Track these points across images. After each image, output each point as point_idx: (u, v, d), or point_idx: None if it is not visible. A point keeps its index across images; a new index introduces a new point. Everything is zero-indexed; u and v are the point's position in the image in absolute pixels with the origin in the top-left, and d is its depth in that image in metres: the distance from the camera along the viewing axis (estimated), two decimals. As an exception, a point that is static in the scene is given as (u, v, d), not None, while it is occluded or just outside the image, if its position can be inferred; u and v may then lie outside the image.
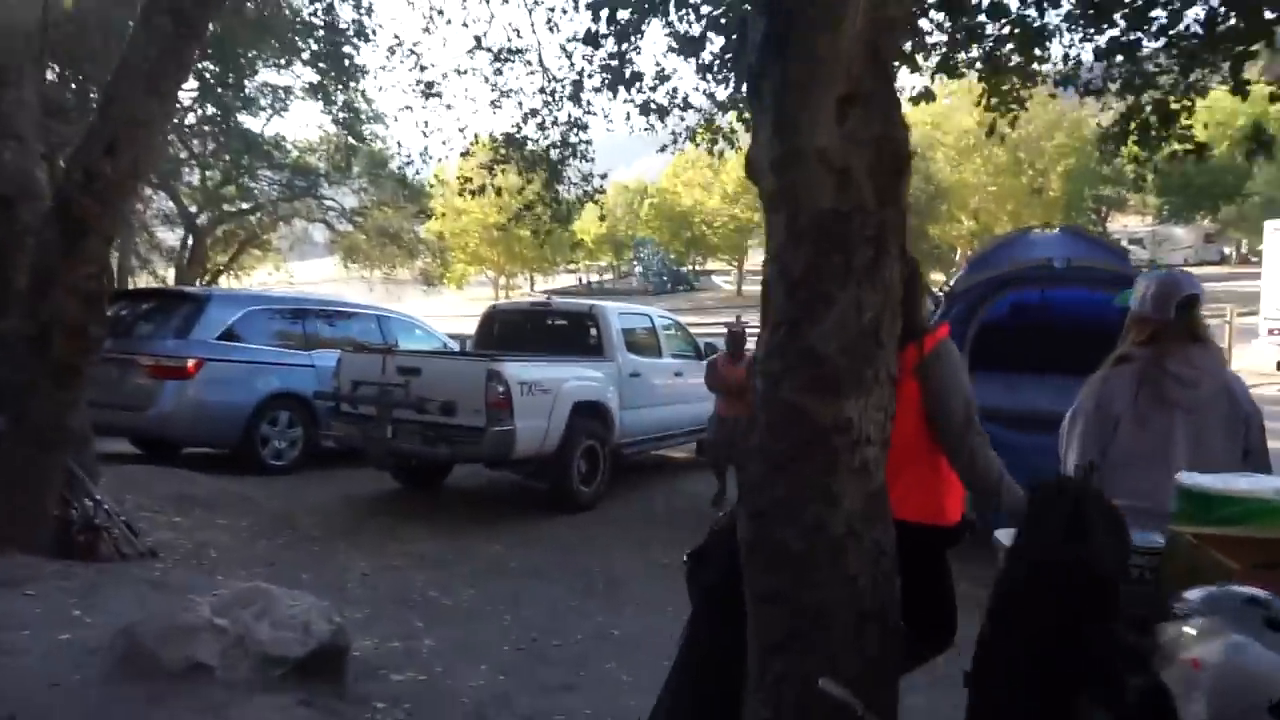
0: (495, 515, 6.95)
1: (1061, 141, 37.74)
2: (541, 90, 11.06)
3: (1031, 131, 36.87)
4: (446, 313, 36.74)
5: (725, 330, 7.92)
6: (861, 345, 1.87)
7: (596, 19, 7.49)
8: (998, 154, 36.51)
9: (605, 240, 57.48)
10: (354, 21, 16.15)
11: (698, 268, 61.48)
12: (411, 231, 26.74)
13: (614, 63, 8.29)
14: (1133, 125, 6.41)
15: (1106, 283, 5.58)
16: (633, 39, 8.12)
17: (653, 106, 10.62)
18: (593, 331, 8.18)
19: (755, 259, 62.49)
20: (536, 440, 6.80)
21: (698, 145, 10.62)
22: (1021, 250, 6.21)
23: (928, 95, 7.35)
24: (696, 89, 9.70)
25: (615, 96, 8.43)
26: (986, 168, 36.59)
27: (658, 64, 10.57)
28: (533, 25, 19.09)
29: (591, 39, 7.96)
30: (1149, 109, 6.38)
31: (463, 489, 7.93)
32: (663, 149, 11.12)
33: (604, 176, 11.77)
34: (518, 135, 11.09)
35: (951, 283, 6.86)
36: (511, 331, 8.76)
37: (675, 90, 10.50)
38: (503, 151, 11.11)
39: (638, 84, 8.63)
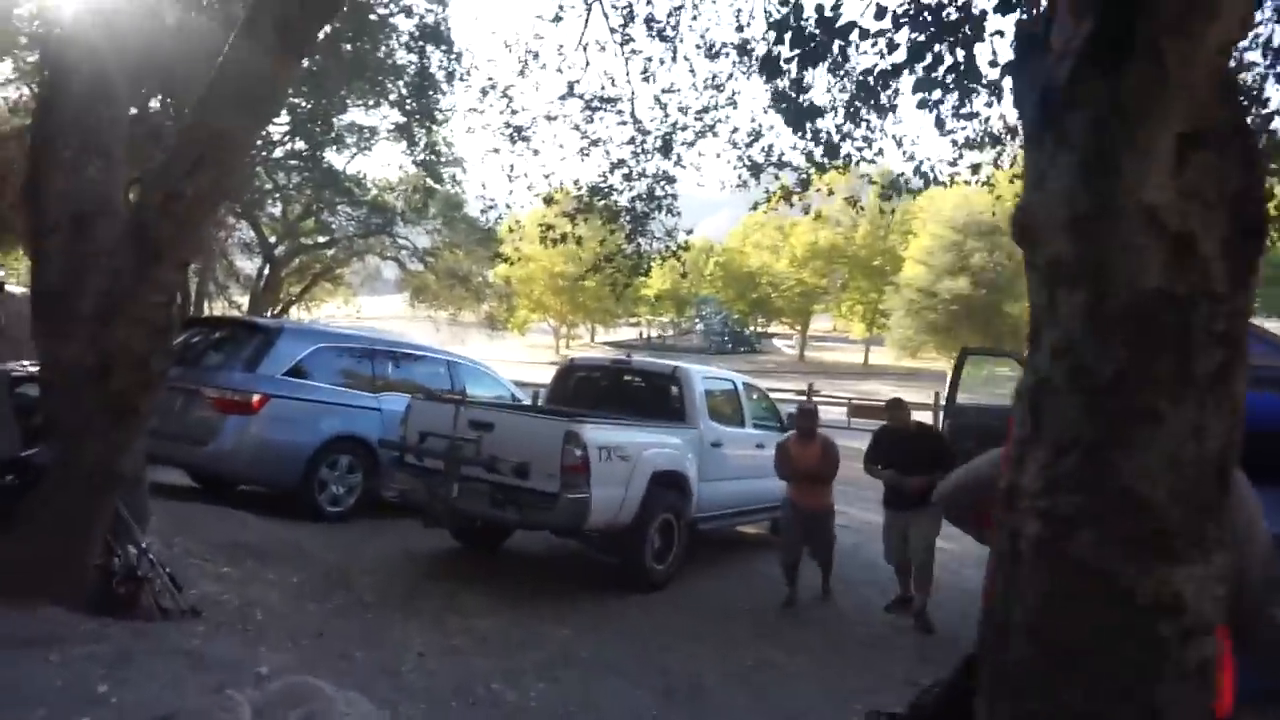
0: (560, 589, 6.39)
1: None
2: (631, 141, 10.80)
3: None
4: (508, 357, 36.72)
5: (796, 410, 7.29)
6: (1201, 488, 1.31)
7: (780, 40, 6.73)
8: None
9: (668, 296, 57.40)
10: (443, 67, 16.27)
11: (760, 329, 60.89)
12: (480, 275, 26.77)
13: (792, 94, 7.48)
14: None
15: None
16: (815, 67, 7.22)
17: (749, 162, 10.25)
18: (675, 394, 7.66)
19: (818, 325, 61.79)
20: (612, 510, 6.25)
21: (791, 205, 10.17)
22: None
23: None
24: (794, 147, 9.10)
25: (796, 132, 7.65)
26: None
27: (753, 119, 10.06)
28: (628, 74, 18.98)
29: (772, 65, 7.18)
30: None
31: (525, 554, 7.40)
32: (754, 207, 10.70)
33: (689, 232, 11.39)
34: (603, 185, 10.81)
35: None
36: (588, 388, 8.29)
37: (771, 148, 10.12)
38: (587, 200, 10.83)
39: (818, 118, 7.79)
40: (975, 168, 6.78)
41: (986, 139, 6.57)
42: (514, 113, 10.88)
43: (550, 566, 7.23)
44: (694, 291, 58.10)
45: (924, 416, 17.73)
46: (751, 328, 59.59)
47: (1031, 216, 1.47)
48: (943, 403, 13.98)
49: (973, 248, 29.05)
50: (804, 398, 17.25)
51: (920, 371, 36.83)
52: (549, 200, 11.22)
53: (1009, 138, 6.46)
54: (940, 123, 6.36)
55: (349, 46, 15.00)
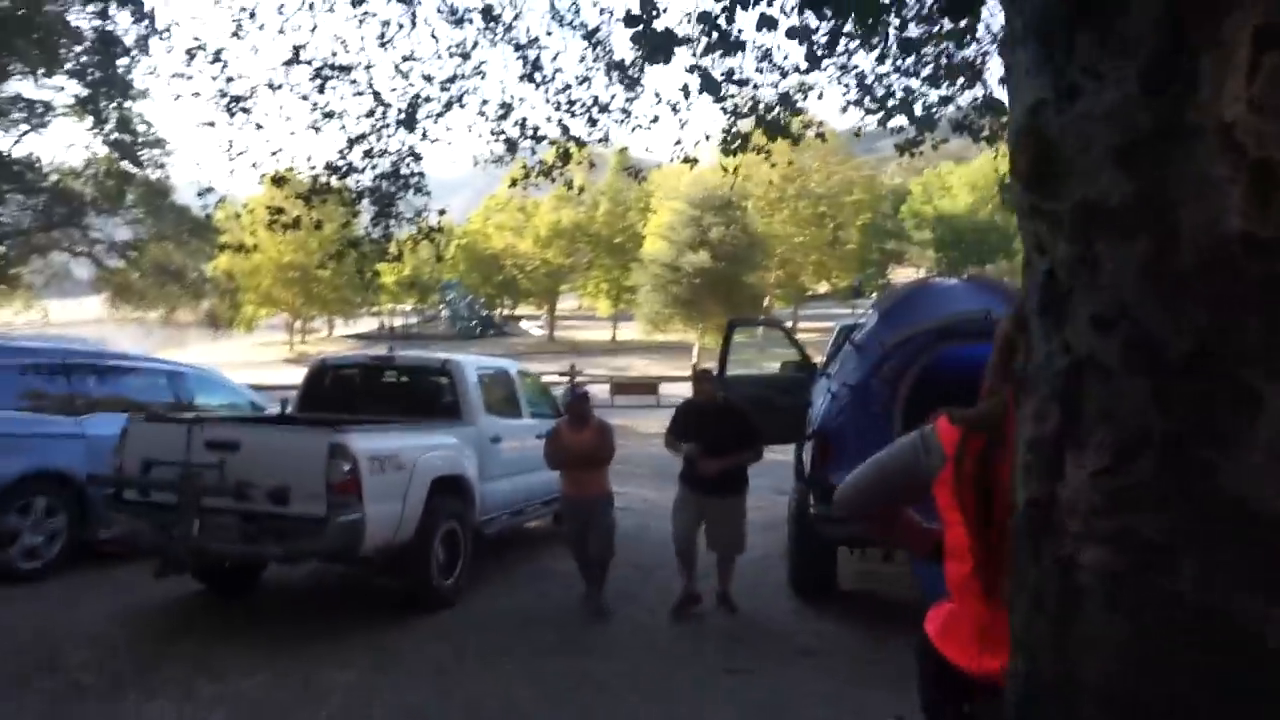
0: (336, 624, 5.56)
1: (859, 197, 40.22)
2: (370, 114, 9.81)
3: (832, 187, 39.08)
4: (236, 359, 33.28)
5: (568, 393, 6.80)
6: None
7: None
8: (803, 207, 38.34)
9: (411, 282, 55.12)
10: (135, 26, 14.06)
11: (508, 312, 60.26)
12: (197, 269, 23.90)
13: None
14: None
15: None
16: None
17: (503, 136, 9.67)
18: (447, 389, 6.99)
19: (565, 304, 62.22)
20: (390, 528, 5.52)
21: (552, 180, 9.72)
22: (941, 301, 5.79)
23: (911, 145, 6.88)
24: (550, 119, 8.64)
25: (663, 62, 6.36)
26: (793, 220, 38.24)
27: (503, 90, 9.47)
28: (362, 40, 17.47)
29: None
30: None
31: (286, 588, 6.43)
32: (513, 183, 10.11)
33: (442, 213, 10.59)
34: (341, 163, 9.75)
35: (855, 336, 6.34)
36: (347, 390, 7.37)
37: (525, 121, 9.59)
38: (324, 181, 9.71)
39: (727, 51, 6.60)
40: (744, 138, 6.75)
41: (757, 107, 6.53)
42: (229, 80, 9.48)
43: (319, 598, 6.34)
44: (437, 277, 56.23)
45: (683, 387, 18.27)
46: (499, 311, 58.79)
47: (1049, 146, 1.12)
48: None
49: (710, 222, 30.34)
50: (568, 379, 17.01)
51: (668, 345, 38.19)
52: (278, 181, 9.94)
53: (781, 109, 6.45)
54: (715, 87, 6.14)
55: (6, 2, 12.48)
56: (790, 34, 5.80)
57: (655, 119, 7.10)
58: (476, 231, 51.56)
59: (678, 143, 7.38)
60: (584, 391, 6.40)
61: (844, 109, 7.14)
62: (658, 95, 7.04)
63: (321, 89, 9.86)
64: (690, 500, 5.96)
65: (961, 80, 6.60)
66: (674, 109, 6.93)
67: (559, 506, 6.57)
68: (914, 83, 6.72)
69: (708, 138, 7.10)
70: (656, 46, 5.44)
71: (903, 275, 63.08)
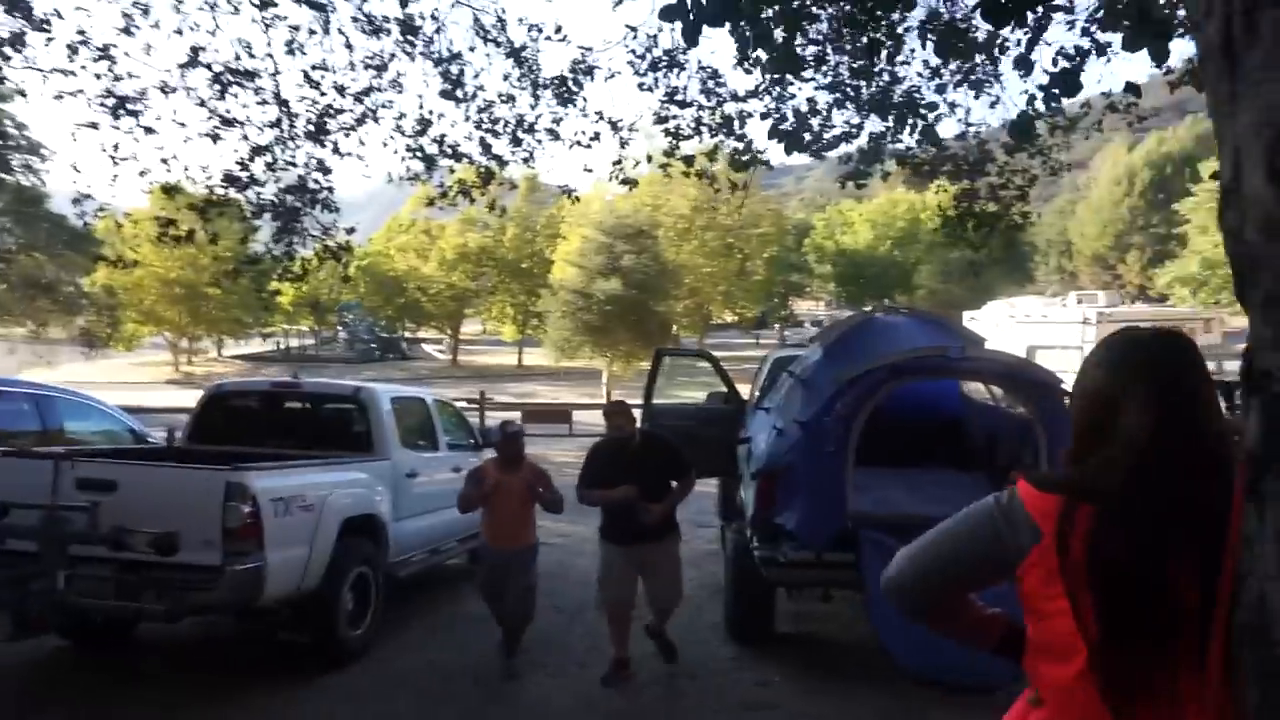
0: (226, 684, 4.92)
1: (765, 230, 40.89)
2: (275, 124, 9.16)
3: (740, 219, 39.57)
4: (115, 379, 31.08)
5: (499, 429, 5.75)
6: None
7: None
8: (711, 238, 38.68)
9: (306, 303, 53.04)
10: (7, 21, 12.92)
11: (410, 335, 58.67)
12: (72, 283, 22.18)
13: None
14: (969, 207, 6.22)
15: (999, 375, 5.08)
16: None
17: (420, 152, 9.17)
18: (359, 420, 6.43)
19: (469, 328, 60.96)
20: (295, 576, 4.93)
21: (472, 201, 9.23)
22: (891, 337, 5.61)
23: (857, 175, 6.68)
24: (468, 137, 8.17)
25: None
26: (702, 250, 38.52)
27: (421, 104, 8.99)
28: (269, 45, 16.39)
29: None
30: (984, 194, 6.22)
31: (167, 640, 5.71)
32: (430, 202, 9.57)
33: (351, 231, 9.96)
34: (242, 175, 9.04)
35: (797, 370, 6.12)
36: (245, 420, 6.70)
37: (443, 138, 9.10)
38: (221, 193, 9.00)
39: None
40: (689, 159, 6.50)
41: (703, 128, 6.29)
42: (117, 79, 8.68)
43: (209, 654, 5.65)
44: (335, 297, 54.25)
45: (597, 416, 17.80)
46: (400, 333, 57.14)
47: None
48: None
49: (622, 250, 30.17)
50: (477, 406, 16.37)
51: (575, 371, 37.73)
52: (170, 190, 9.14)
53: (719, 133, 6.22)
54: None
55: None
56: (741, 61, 5.60)
57: (596, 136, 6.76)
58: (378, 252, 50.02)
59: (617, 163, 7.07)
60: (518, 429, 5.64)
61: (778, 139, 6.99)
62: (599, 113, 6.68)
63: (222, 94, 9.17)
64: (622, 557, 5.20)
65: (904, 115, 6.54)
66: (614, 127, 6.61)
67: (479, 552, 5.82)
68: (854, 115, 6.63)
69: (649, 159, 6.82)
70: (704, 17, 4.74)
71: (804, 307, 64.63)
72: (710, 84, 6.13)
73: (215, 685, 4.93)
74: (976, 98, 6.27)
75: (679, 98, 6.04)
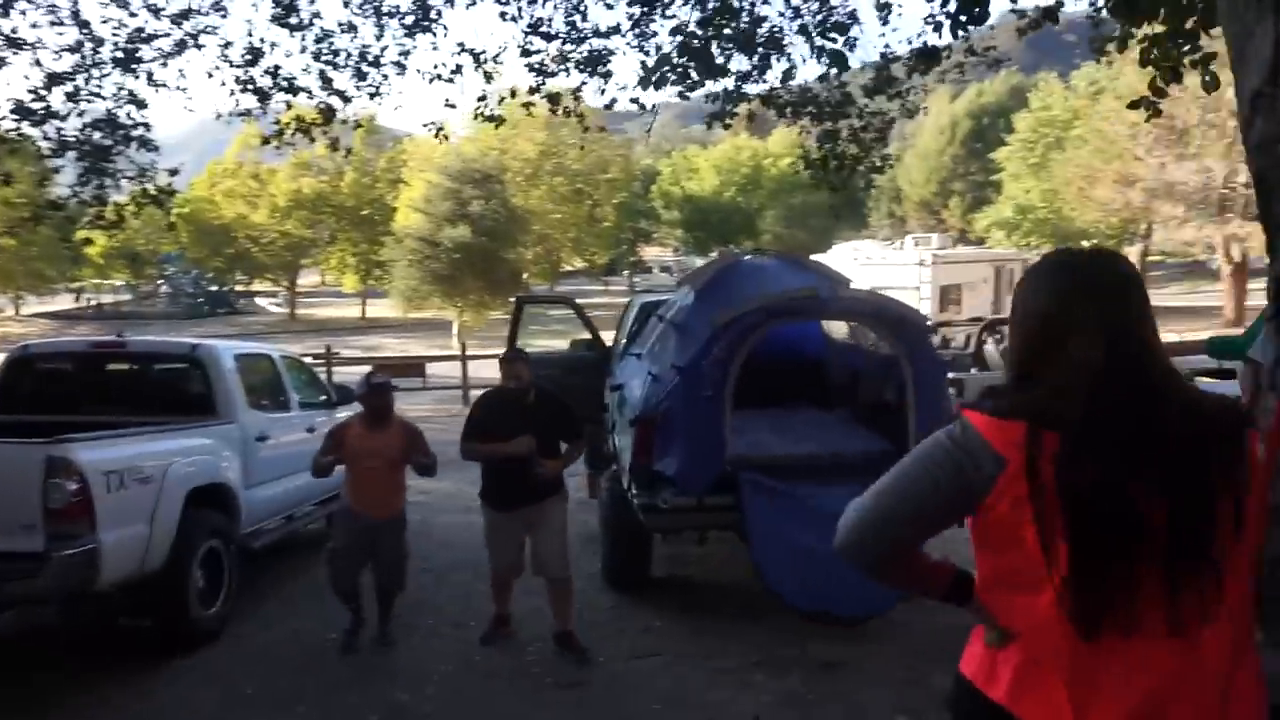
0: (70, 676, 4.42)
1: (614, 176, 40.62)
2: (76, 48, 8.10)
3: (589, 165, 39.11)
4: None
5: (363, 382, 5.05)
6: None
7: None
8: (560, 183, 38.05)
9: (121, 255, 48.55)
10: None
11: (241, 288, 54.97)
12: None
13: None
14: (833, 149, 6.29)
15: (868, 315, 5.18)
16: None
17: (252, 85, 8.37)
18: (199, 381, 5.85)
19: (307, 279, 57.68)
20: (135, 557, 4.46)
21: (312, 140, 8.51)
22: (762, 279, 5.62)
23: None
24: (307, 70, 7.50)
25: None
26: (551, 196, 37.87)
27: (251, 32, 8.17)
28: None
29: None
30: (845, 136, 6.30)
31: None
32: (265, 141, 8.76)
33: (174, 173, 9.02)
34: (37, 106, 7.99)
35: (669, 314, 6.05)
36: (60, 386, 5.97)
37: (278, 69, 8.32)
38: (12, 127, 7.93)
39: None
40: (554, 97, 6.18)
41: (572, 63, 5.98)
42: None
43: (43, 646, 5.07)
44: (154, 248, 49.86)
45: (449, 368, 17.20)
46: (230, 286, 53.37)
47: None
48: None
49: (470, 195, 29.14)
50: (323, 362, 15.51)
51: (424, 322, 36.51)
52: (-51, 123, 7.97)
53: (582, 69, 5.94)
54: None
55: None
56: None
57: (458, 69, 6.29)
58: (202, 199, 46.16)
59: (481, 98, 6.65)
60: (384, 381, 5.02)
61: (646, 80, 6.79)
62: (460, 45, 6.18)
63: (6, 11, 8.06)
64: (507, 521, 4.86)
65: (770, 53, 6.49)
66: (477, 59, 6.19)
67: (336, 526, 5.14)
68: (718, 55, 6.52)
69: (513, 94, 6.45)
70: None
71: (652, 254, 65.10)
72: (575, 16, 5.84)
73: (55, 679, 4.42)
74: (831, 41, 6.26)
75: (543, 29, 5.73)
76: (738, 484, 4.84)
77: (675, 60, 5.93)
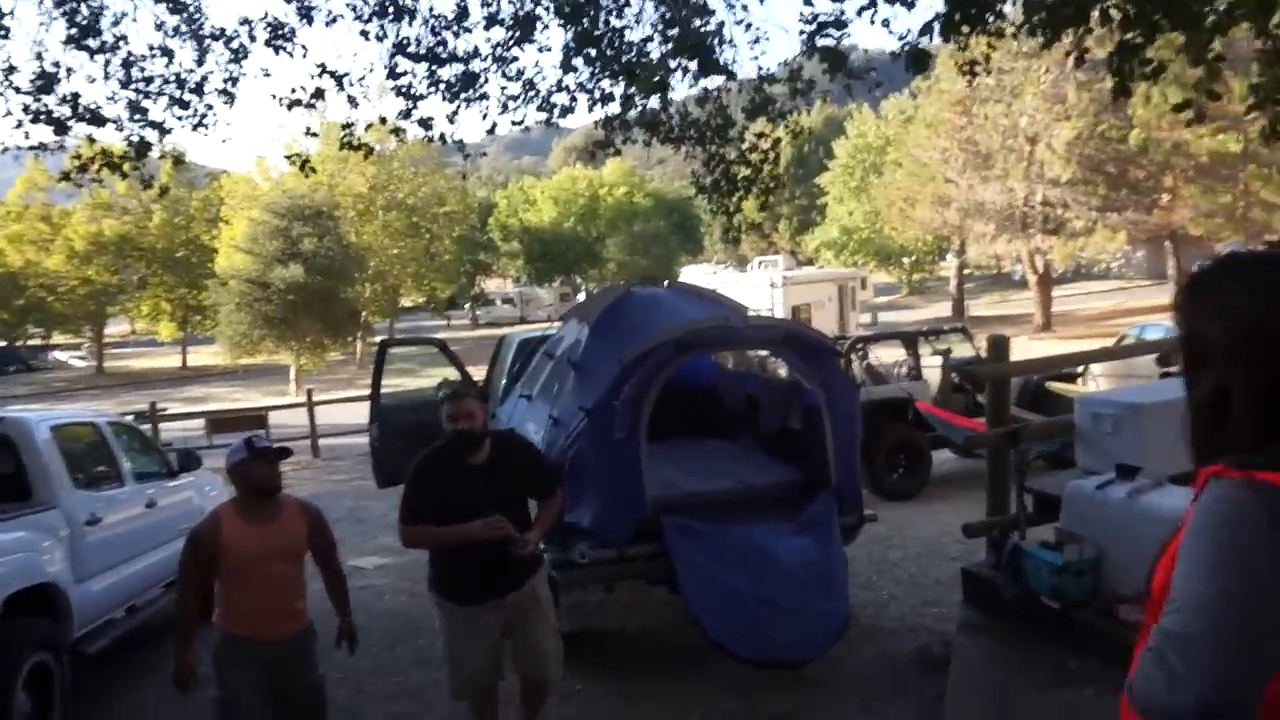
0: None
1: (451, 208, 39.67)
2: None
3: (423, 198, 37.99)
4: None
5: (241, 452, 3.42)
6: None
7: None
8: (394, 218, 36.72)
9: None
10: None
11: (37, 342, 49.59)
12: None
13: None
14: (725, 172, 6.14)
15: (779, 342, 4.99)
16: None
17: (43, 112, 7.32)
18: (7, 459, 4.91)
19: (116, 329, 52.80)
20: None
21: (124, 175, 7.52)
22: (663, 311, 5.33)
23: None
24: (112, 98, 6.60)
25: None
26: (386, 231, 36.46)
27: (39, 52, 7.17)
28: None
29: None
30: (734, 158, 6.17)
31: None
32: (66, 177, 7.66)
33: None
34: None
35: (559, 351, 5.66)
36: None
37: (76, 97, 7.31)
38: None
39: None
40: (426, 122, 5.65)
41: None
42: None
43: None
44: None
45: (292, 416, 15.80)
46: (21, 341, 47.97)
47: None
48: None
49: (301, 232, 27.46)
50: (146, 421, 13.94)
51: (254, 369, 34.07)
52: None
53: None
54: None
55: None
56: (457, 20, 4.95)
57: (319, 93, 5.62)
58: (-20, 245, 41.31)
59: (347, 126, 6.02)
60: (268, 445, 3.52)
61: (506, 107, 6.42)
62: (321, 66, 5.52)
63: None
64: (479, 619, 3.56)
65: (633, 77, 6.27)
66: (339, 81, 5.58)
67: (219, 659, 3.42)
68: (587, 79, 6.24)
69: (383, 120, 5.88)
70: None
71: (492, 286, 64.10)
72: (444, 34, 5.38)
73: None
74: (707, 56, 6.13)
75: (410, 50, 5.25)
76: (661, 529, 4.50)
77: (562, 85, 5.60)
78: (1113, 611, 3.82)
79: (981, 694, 3.82)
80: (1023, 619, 4.28)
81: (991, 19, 3.74)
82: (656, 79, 5.15)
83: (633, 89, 5.82)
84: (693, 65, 5.80)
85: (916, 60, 3.31)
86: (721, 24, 5.92)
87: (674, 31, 6.23)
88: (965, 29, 2.93)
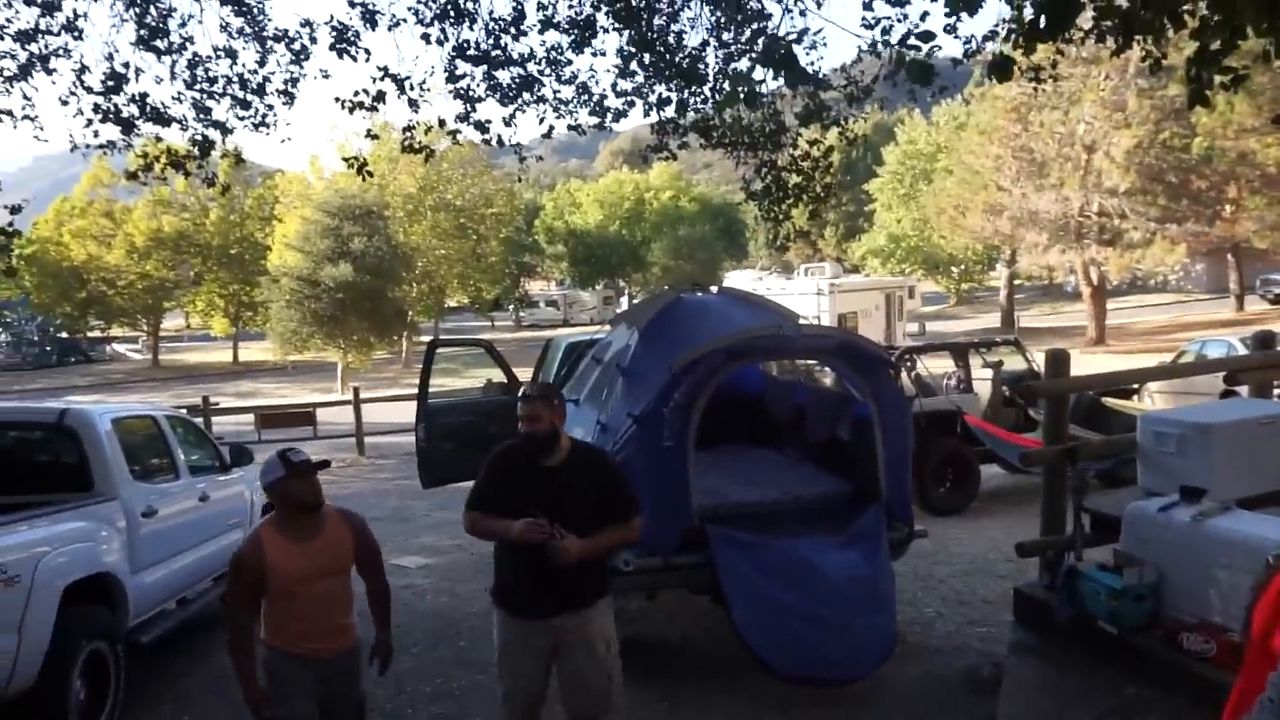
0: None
1: (498, 210, 40.01)
2: None
3: (471, 199, 38.37)
4: None
5: (277, 470, 3.25)
6: None
7: None
8: (443, 219, 37.13)
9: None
10: None
11: (98, 333, 51.11)
12: None
13: None
14: (776, 178, 6.09)
15: (832, 351, 4.92)
16: None
17: (113, 112, 7.52)
18: (71, 450, 5.05)
19: (172, 323, 54.17)
20: None
21: (187, 174, 7.70)
22: (712, 318, 5.30)
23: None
24: (180, 98, 6.74)
25: None
26: (434, 232, 36.88)
27: (111, 54, 7.37)
28: None
29: None
30: (784, 165, 6.12)
31: None
32: (132, 176, 7.86)
33: (16, 210, 8.01)
34: None
35: (607, 356, 5.66)
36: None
37: (145, 97, 7.49)
38: None
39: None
40: (483, 125, 5.71)
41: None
42: None
43: None
44: (-11, 294, 45.71)
45: (340, 413, 15.98)
46: (82, 333, 49.49)
47: None
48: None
49: (351, 232, 27.91)
50: (200, 414, 14.26)
51: (303, 365, 34.69)
52: None
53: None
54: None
55: None
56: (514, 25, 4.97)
57: (380, 96, 5.70)
58: (47, 239, 42.65)
59: (408, 129, 6.10)
60: (306, 459, 3.31)
61: (561, 112, 6.44)
62: (383, 69, 5.57)
63: None
64: (526, 634, 3.39)
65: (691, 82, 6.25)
66: (400, 85, 5.64)
67: (270, 675, 3.31)
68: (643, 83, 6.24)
69: (441, 123, 5.94)
70: None
71: (536, 288, 64.55)
72: (504, 37, 5.42)
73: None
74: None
75: (470, 53, 5.28)
76: (707, 539, 4.46)
77: (617, 89, 5.60)
78: (1175, 639, 3.70)
79: (1034, 718, 3.72)
80: (1077, 642, 4.16)
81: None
82: (744, 91, 5.10)
83: (699, 96, 5.78)
84: (772, 74, 5.75)
85: (999, 68, 3.22)
86: (805, 30, 5.87)
87: (729, 35, 6.20)
88: (1047, 35, 2.84)
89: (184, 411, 12.32)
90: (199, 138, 7.53)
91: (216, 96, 7.47)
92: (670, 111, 5.87)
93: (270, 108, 7.27)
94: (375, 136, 6.23)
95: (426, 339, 11.45)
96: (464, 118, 5.65)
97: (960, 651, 5.11)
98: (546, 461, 3.35)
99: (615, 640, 3.47)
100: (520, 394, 3.53)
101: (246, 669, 3.23)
